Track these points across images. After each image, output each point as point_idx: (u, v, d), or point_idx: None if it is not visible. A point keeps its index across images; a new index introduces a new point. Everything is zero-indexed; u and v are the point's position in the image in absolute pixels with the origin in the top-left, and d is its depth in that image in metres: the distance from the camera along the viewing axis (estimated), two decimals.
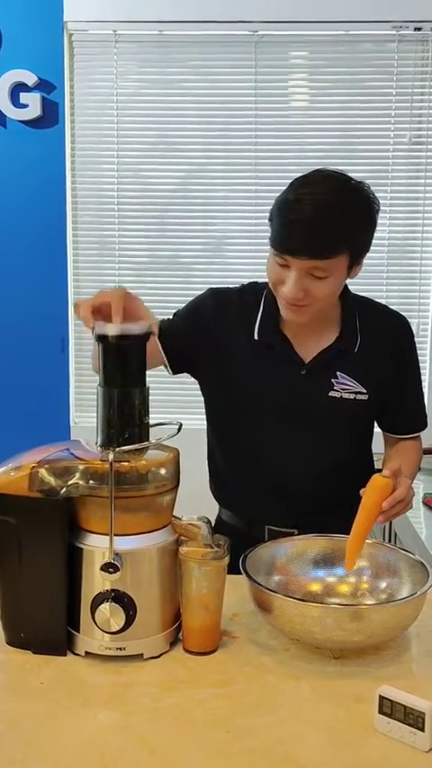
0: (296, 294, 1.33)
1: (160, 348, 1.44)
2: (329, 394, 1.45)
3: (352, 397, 1.45)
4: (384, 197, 3.10)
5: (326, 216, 1.29)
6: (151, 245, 3.17)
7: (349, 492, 1.52)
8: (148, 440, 1.17)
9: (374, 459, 1.64)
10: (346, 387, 1.45)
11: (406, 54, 3.01)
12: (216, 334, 1.48)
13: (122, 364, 1.16)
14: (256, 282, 1.54)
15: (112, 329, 1.14)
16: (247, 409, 1.49)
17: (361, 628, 1.09)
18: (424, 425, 1.59)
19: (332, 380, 1.45)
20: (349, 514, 1.55)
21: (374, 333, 1.48)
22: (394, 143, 3.06)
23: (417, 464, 1.56)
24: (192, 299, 1.55)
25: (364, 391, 1.46)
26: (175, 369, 1.52)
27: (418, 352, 3.38)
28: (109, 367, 1.16)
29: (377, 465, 1.63)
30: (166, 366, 1.50)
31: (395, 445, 1.58)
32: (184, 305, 1.56)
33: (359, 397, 1.46)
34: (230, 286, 1.55)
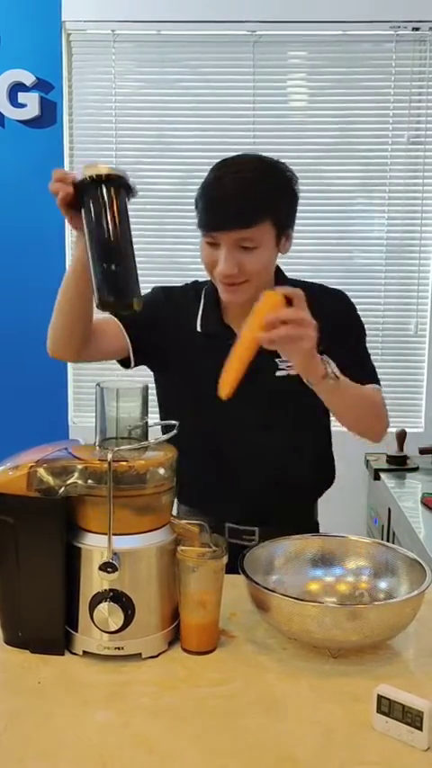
0: (230, 269, 1.35)
1: (125, 334, 1.47)
2: (276, 374, 1.45)
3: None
4: (382, 197, 3.11)
5: (245, 186, 1.35)
6: (149, 245, 3.17)
7: (304, 477, 1.52)
8: (146, 439, 1.18)
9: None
10: (291, 364, 1.45)
11: (404, 54, 3.02)
12: (167, 325, 1.51)
13: (108, 212, 1.15)
14: (197, 281, 1.58)
15: (98, 169, 1.15)
16: (196, 401, 1.48)
17: (359, 627, 1.09)
18: (372, 380, 1.50)
19: (276, 360, 1.44)
20: (305, 503, 1.55)
21: (313, 310, 1.48)
22: (392, 143, 3.06)
23: (365, 396, 1.43)
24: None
25: None
26: (136, 360, 1.53)
27: (416, 351, 3.39)
28: (96, 217, 1.15)
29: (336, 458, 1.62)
30: (131, 356, 1.51)
31: None
32: None
33: None
34: (175, 285, 1.60)
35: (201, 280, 1.57)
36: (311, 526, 1.59)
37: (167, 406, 1.58)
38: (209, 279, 1.51)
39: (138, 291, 1.17)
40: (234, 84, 3.06)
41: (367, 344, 1.57)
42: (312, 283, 1.57)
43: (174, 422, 1.22)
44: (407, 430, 2.96)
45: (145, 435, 1.18)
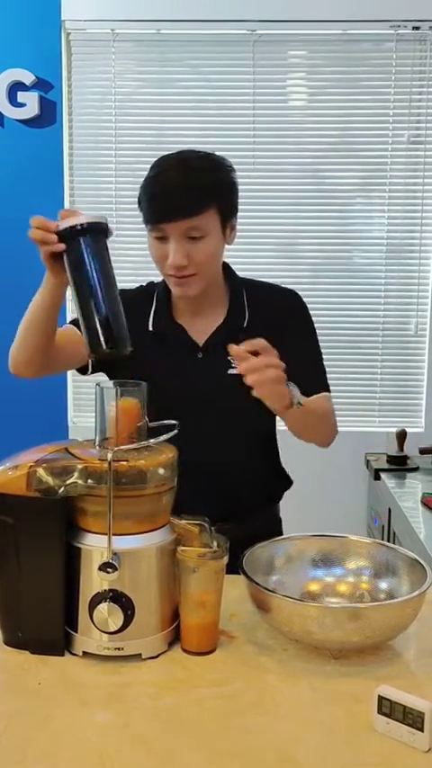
0: (180, 261, 1.38)
1: (86, 342, 1.44)
2: (228, 372, 1.45)
3: None
4: (383, 197, 3.10)
5: (188, 177, 1.38)
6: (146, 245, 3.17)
7: (259, 477, 1.54)
8: (146, 439, 1.17)
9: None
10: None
11: (404, 53, 3.01)
12: None
13: (95, 262, 1.17)
14: (153, 281, 1.59)
15: (77, 219, 1.17)
16: (152, 399, 1.48)
17: (360, 627, 1.09)
18: (324, 389, 1.52)
19: (228, 359, 1.43)
20: (263, 503, 1.57)
21: (263, 308, 1.52)
22: (392, 143, 3.05)
23: (322, 409, 1.48)
24: None
25: None
26: (94, 367, 1.48)
27: (417, 350, 3.39)
28: (83, 268, 1.16)
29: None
30: (88, 363, 1.46)
31: None
32: None
33: None
34: (132, 286, 1.59)
35: (156, 280, 1.58)
36: (272, 524, 1.59)
37: None
38: (163, 279, 1.52)
39: (127, 336, 1.20)
40: (234, 83, 3.06)
41: (329, 346, 1.59)
42: (264, 282, 1.59)
43: (174, 421, 1.21)
44: (407, 430, 2.96)
45: (145, 435, 1.18)
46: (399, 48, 3.01)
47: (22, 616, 1.13)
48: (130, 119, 3.10)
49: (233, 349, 1.23)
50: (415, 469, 2.87)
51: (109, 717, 1.00)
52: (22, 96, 2.92)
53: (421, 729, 0.92)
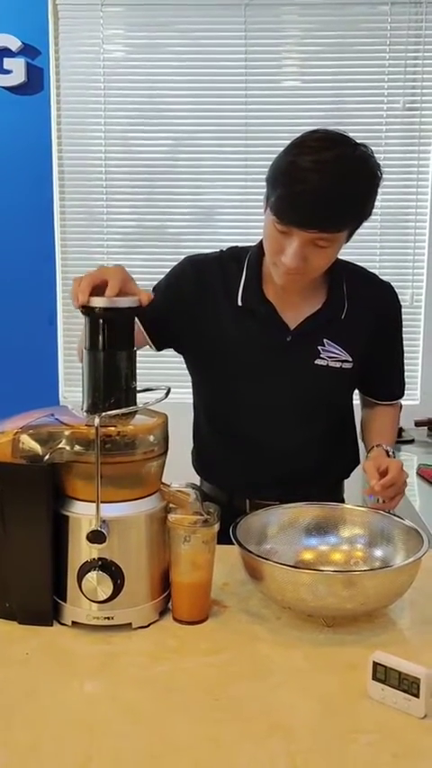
0: (297, 264, 1.29)
1: (141, 327, 1.37)
2: (315, 362, 1.42)
3: (338, 365, 1.43)
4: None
5: (336, 188, 1.23)
6: (140, 215, 3.12)
7: (332, 462, 1.51)
8: (135, 405, 1.14)
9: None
10: (332, 355, 1.43)
11: (399, 17, 2.94)
12: (198, 303, 1.44)
13: (110, 339, 1.12)
14: (236, 247, 1.50)
15: (99, 301, 1.10)
16: (231, 377, 1.45)
17: (354, 595, 1.07)
18: (403, 393, 1.62)
19: (318, 348, 1.42)
20: (332, 485, 1.55)
21: (363, 301, 1.46)
22: (387, 108, 3.00)
23: (396, 429, 1.62)
24: (169, 270, 1.50)
25: (350, 360, 1.44)
26: (159, 345, 1.48)
27: (412, 321, 3.36)
28: (96, 343, 1.12)
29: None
30: (149, 344, 1.46)
31: (373, 408, 1.61)
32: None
33: (345, 365, 1.43)
34: (208, 252, 1.50)
35: (240, 245, 1.48)
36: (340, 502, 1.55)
37: (202, 387, 1.54)
38: (248, 246, 1.45)
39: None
40: (225, 48, 2.99)
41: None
42: (363, 271, 1.51)
43: (167, 386, 1.17)
44: (402, 402, 2.93)
45: (134, 401, 1.15)
46: (393, 11, 2.94)
47: (9, 586, 1.11)
48: (120, 85, 3.03)
49: (378, 485, 1.31)
50: (410, 442, 2.85)
51: (98, 687, 0.98)
52: (7, 63, 2.87)
53: (417, 695, 0.90)
